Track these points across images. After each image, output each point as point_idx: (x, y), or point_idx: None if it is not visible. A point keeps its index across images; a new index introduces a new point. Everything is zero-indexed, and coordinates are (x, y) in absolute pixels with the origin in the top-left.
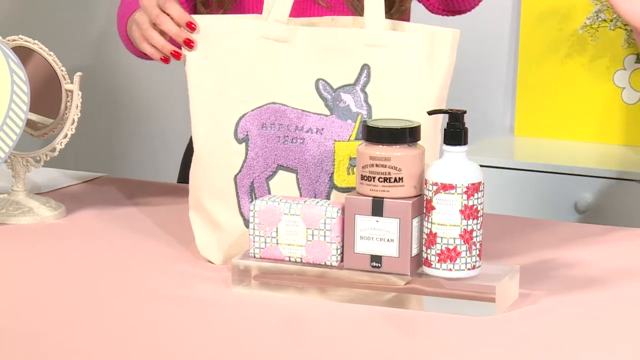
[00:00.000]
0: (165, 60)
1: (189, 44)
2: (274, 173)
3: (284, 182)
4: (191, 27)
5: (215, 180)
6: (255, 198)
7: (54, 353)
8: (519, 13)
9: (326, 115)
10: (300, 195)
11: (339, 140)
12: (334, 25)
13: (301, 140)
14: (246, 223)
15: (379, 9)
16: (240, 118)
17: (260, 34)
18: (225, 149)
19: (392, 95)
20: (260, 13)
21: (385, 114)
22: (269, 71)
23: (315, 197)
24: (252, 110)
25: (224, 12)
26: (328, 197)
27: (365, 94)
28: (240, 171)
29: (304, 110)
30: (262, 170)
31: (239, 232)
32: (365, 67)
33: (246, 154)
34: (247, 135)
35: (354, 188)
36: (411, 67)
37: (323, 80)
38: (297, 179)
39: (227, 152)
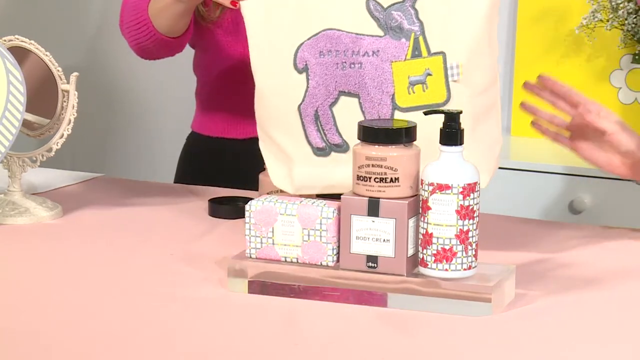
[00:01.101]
0: (234, 2)
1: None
2: (337, 99)
3: (347, 107)
4: None
5: (279, 112)
6: (321, 125)
7: (52, 353)
8: (515, 13)
9: (380, 37)
10: (365, 119)
11: (395, 61)
12: None
13: (359, 65)
14: (315, 151)
15: None
16: (298, 48)
17: None
18: (286, 80)
19: (442, 8)
20: None
21: (437, 29)
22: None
23: (379, 119)
24: (308, 40)
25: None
26: (392, 118)
27: (416, 10)
28: (303, 101)
29: (357, 34)
30: (324, 97)
31: (308, 161)
32: None
33: (307, 83)
34: (306, 64)
35: (417, 107)
36: None
37: (373, 0)
38: (360, 103)
39: (289, 83)
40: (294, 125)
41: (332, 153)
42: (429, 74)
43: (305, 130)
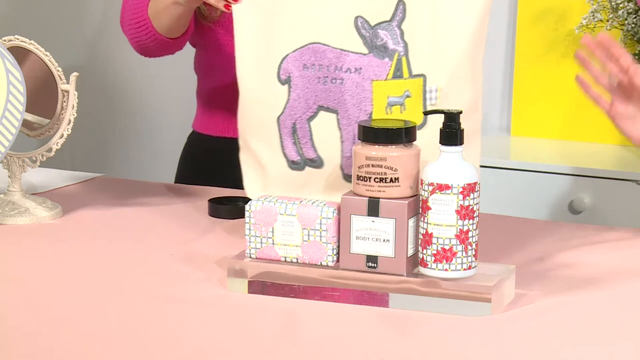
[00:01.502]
0: (227, 6)
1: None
2: (315, 114)
3: (325, 123)
4: None
5: (260, 122)
6: (298, 138)
7: (53, 353)
8: (515, 13)
9: (364, 54)
10: (341, 136)
11: (376, 80)
12: None
13: (340, 81)
14: (289, 164)
15: None
16: (283, 59)
17: None
18: (269, 90)
19: (427, 31)
20: None
21: (420, 51)
22: (310, 13)
23: (354, 138)
24: (293, 52)
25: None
26: None
27: (402, 30)
28: (282, 112)
29: (342, 50)
30: (303, 111)
31: (282, 173)
32: (401, 3)
33: (288, 95)
34: (289, 76)
35: None
36: (447, 3)
37: (362, 17)
38: (338, 119)
39: (271, 93)
40: (272, 136)
41: (307, 167)
42: (408, 96)
43: (282, 142)
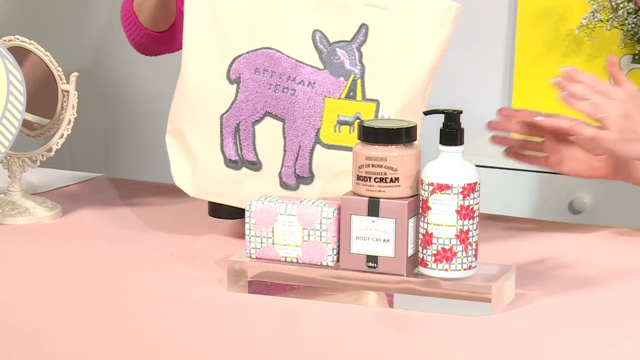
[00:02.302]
0: None
1: None
2: (262, 119)
3: (270, 129)
4: None
5: (200, 115)
6: (239, 139)
7: (52, 353)
8: (515, 13)
9: (320, 69)
10: (284, 145)
11: (329, 97)
12: None
13: (292, 91)
14: (227, 162)
15: None
16: (235, 59)
17: None
18: (215, 86)
19: (386, 58)
20: None
21: (377, 77)
22: (268, 16)
23: (299, 149)
24: (247, 53)
25: None
26: (312, 152)
27: (361, 53)
28: (227, 111)
29: (298, 61)
30: (250, 114)
31: (216, 169)
32: (364, 27)
33: (236, 95)
34: (239, 77)
35: (339, 147)
36: (410, 34)
37: (320, 32)
38: (284, 128)
39: (217, 89)
40: (212, 131)
41: (244, 168)
42: (358, 118)
43: (222, 140)
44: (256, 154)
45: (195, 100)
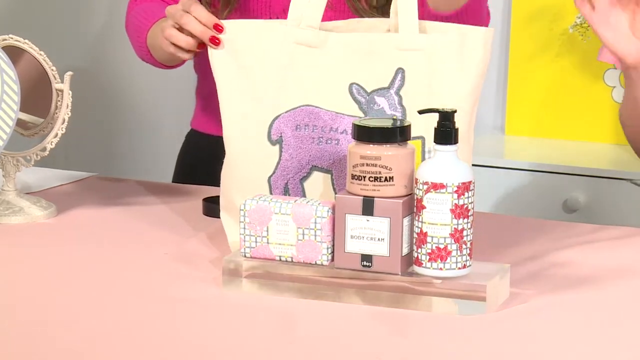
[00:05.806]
0: (192, 51)
1: (215, 41)
2: (309, 174)
3: (319, 183)
4: (218, 29)
5: (248, 182)
6: None
7: (48, 352)
8: (509, 12)
9: (361, 117)
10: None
11: None
12: (360, 28)
13: (336, 141)
14: None
15: (411, 11)
16: (274, 120)
17: (293, 40)
18: (259, 150)
19: (425, 96)
20: (266, 12)
21: (418, 115)
22: (302, 76)
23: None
24: (285, 112)
25: (229, 12)
26: None
27: (400, 96)
28: (274, 172)
29: (337, 112)
30: (296, 171)
31: None
32: (400, 71)
33: (280, 155)
34: (281, 136)
35: None
36: (444, 69)
37: (357, 84)
38: (332, 179)
39: (261, 153)
40: None
41: None
42: None
43: None
44: None
45: (242, 169)
